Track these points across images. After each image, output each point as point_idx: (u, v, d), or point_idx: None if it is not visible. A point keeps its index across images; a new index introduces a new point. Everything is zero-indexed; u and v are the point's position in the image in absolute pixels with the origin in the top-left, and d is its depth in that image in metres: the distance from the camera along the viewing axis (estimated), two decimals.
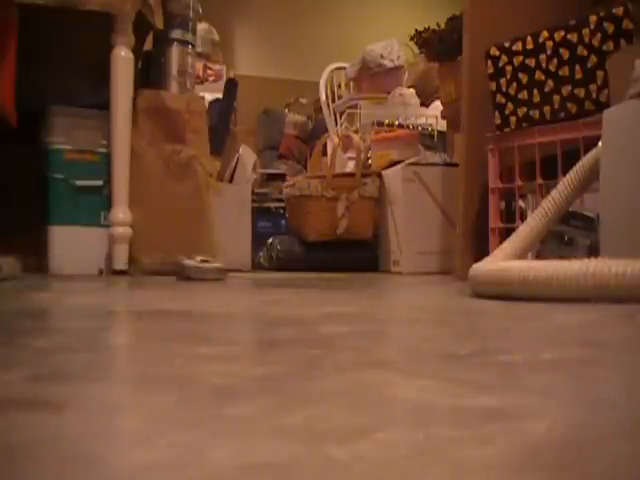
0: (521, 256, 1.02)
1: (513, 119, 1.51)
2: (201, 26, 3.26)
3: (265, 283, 1.43)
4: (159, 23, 1.81)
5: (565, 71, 1.42)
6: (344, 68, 3.22)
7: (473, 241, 1.62)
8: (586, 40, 1.38)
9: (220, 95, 2.42)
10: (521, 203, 1.58)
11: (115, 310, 0.81)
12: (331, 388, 0.33)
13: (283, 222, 2.73)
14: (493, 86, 1.54)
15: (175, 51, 1.88)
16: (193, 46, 1.95)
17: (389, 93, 2.76)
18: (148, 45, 1.91)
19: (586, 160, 1.05)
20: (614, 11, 1.34)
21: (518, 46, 1.49)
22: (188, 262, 1.45)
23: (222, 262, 1.49)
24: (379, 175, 2.17)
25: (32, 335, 0.55)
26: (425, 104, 2.74)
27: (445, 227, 1.98)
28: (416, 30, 2.04)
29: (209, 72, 3.82)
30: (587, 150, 1.09)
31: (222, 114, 2.24)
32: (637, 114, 0.97)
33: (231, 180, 2.24)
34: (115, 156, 1.69)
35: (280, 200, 2.64)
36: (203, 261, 1.47)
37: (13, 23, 1.56)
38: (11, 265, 1.35)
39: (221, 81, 3.54)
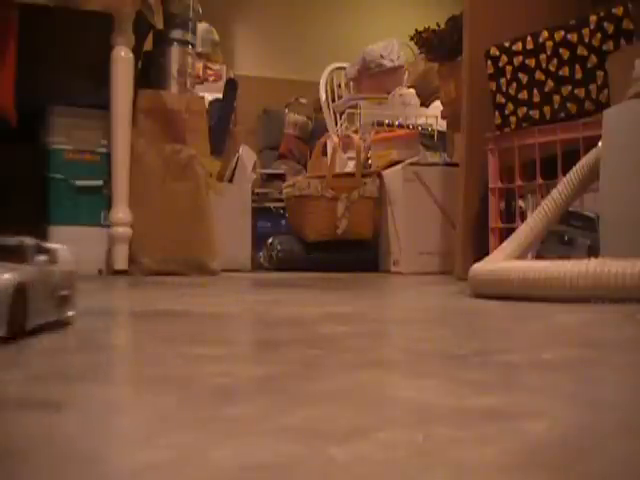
0: (521, 256, 1.02)
1: (513, 119, 1.51)
2: (201, 26, 3.25)
3: (265, 283, 1.43)
4: (159, 23, 1.81)
5: (565, 71, 1.42)
6: (344, 68, 3.22)
7: (473, 241, 1.62)
8: (586, 40, 1.38)
9: (220, 95, 2.41)
10: (521, 203, 1.58)
11: (115, 310, 0.81)
12: (331, 388, 0.33)
13: (283, 222, 2.72)
14: (493, 86, 1.54)
15: (175, 51, 1.88)
16: (193, 46, 1.95)
17: (389, 93, 2.76)
18: (148, 45, 1.91)
19: (586, 160, 1.05)
20: (614, 11, 1.34)
21: (518, 46, 1.49)
22: None
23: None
24: (379, 175, 2.17)
25: (32, 335, 0.55)
26: (425, 104, 2.74)
27: (445, 227, 1.97)
28: (416, 30, 2.03)
29: (209, 72, 3.81)
30: (587, 150, 1.09)
31: (222, 114, 2.24)
32: (637, 114, 0.97)
33: (231, 180, 2.24)
34: (115, 156, 1.69)
35: (280, 200, 2.63)
36: None
37: (13, 23, 1.56)
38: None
39: (221, 81, 3.53)
